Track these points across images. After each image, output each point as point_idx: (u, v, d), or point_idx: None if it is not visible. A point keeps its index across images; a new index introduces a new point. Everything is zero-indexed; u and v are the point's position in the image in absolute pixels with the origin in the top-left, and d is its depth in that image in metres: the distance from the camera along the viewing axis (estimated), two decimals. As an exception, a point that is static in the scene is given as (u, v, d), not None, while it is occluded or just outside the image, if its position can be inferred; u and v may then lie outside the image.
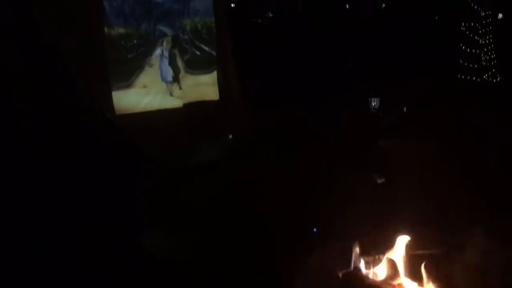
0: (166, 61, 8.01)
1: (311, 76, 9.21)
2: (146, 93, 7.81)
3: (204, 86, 8.49)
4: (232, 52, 8.64)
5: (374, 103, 7.96)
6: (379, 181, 6.32)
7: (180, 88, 8.21)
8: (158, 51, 7.92)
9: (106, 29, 7.35)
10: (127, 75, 7.59)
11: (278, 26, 11.64)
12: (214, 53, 8.57)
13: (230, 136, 8.15)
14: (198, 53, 8.43)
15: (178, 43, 8.16)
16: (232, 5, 11.12)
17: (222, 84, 8.59)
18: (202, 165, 7.14)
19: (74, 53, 6.72)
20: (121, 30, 7.52)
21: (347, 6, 11.70)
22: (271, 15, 12.63)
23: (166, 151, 7.18)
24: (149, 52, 7.83)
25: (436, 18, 11.22)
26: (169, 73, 8.06)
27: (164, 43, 7.98)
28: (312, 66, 9.45)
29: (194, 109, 8.17)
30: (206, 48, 8.51)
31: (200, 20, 8.46)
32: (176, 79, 8.15)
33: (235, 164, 7.17)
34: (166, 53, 7.99)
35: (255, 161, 7.18)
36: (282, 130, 8.03)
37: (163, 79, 7.99)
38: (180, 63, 8.19)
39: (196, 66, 8.42)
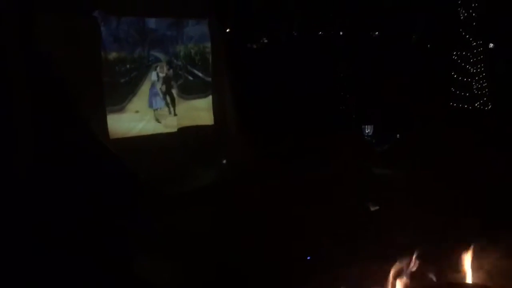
0: (159, 86, 8.02)
1: (306, 102, 9.28)
2: (140, 118, 7.80)
3: (198, 111, 8.54)
4: (227, 77, 8.70)
5: (368, 130, 8.01)
6: (373, 208, 6.33)
7: (175, 113, 8.21)
8: (151, 76, 7.94)
9: (102, 54, 7.37)
10: (121, 99, 7.60)
11: (273, 52, 11.75)
12: (208, 78, 8.62)
13: (224, 161, 8.15)
14: (191, 78, 8.50)
15: (172, 68, 8.21)
16: (227, 30, 11.24)
17: (217, 109, 8.64)
18: (197, 190, 7.12)
19: (70, 77, 6.73)
20: (116, 55, 7.56)
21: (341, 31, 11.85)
22: (266, 40, 12.75)
23: (160, 176, 7.15)
24: (143, 77, 7.85)
25: (428, 46, 11.41)
26: (160, 98, 8.05)
27: (158, 69, 8.01)
28: (307, 92, 9.52)
29: (189, 134, 8.19)
30: (200, 74, 8.58)
31: (194, 46, 8.55)
32: (170, 104, 8.16)
33: (229, 190, 7.14)
34: (159, 79, 8.02)
35: (250, 187, 7.15)
36: (277, 156, 8.03)
37: (153, 104, 7.98)
38: (174, 88, 8.22)
39: (190, 91, 8.47)
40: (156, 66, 8.03)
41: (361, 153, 7.84)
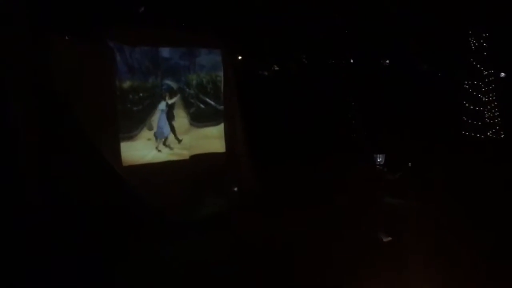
0: (170, 115, 8.11)
1: (317, 130, 9.28)
2: (152, 145, 7.86)
3: (210, 139, 8.58)
4: (238, 105, 8.78)
5: (380, 159, 8.00)
6: (385, 239, 6.26)
7: (186, 141, 8.27)
8: (163, 105, 8.04)
9: (116, 82, 7.49)
10: (134, 127, 7.67)
11: (283, 79, 11.83)
12: (219, 106, 8.70)
13: (236, 189, 8.14)
14: (203, 106, 8.56)
15: (184, 97, 8.30)
16: (239, 57, 11.36)
17: (228, 137, 8.68)
18: (207, 217, 7.12)
19: (85, 105, 6.85)
20: (130, 83, 7.66)
21: (352, 61, 11.92)
22: (277, 68, 12.85)
23: (171, 203, 7.16)
24: (155, 106, 7.94)
25: (439, 75, 11.41)
26: (171, 126, 8.14)
27: (169, 97, 8.10)
28: (318, 120, 9.54)
29: (200, 161, 8.21)
30: (212, 102, 8.65)
31: (206, 75, 8.64)
32: (181, 132, 8.22)
33: (240, 218, 7.13)
34: (171, 107, 8.11)
35: (260, 215, 7.14)
36: (288, 184, 8.01)
37: (164, 132, 8.05)
38: (185, 117, 8.30)
39: (202, 119, 8.53)
40: (167, 95, 8.10)
41: (372, 182, 7.81)
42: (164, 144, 8.02)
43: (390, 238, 6.28)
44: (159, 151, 7.92)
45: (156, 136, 7.94)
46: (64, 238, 5.73)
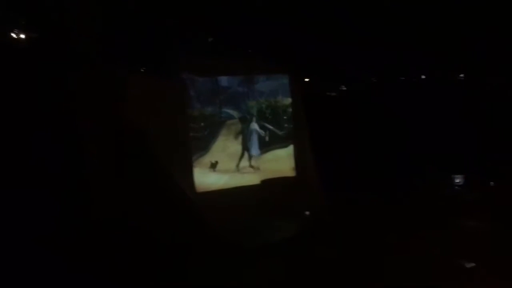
0: (242, 140, 8.26)
1: (389, 151, 9.04)
2: (224, 172, 8.02)
3: (280, 163, 8.62)
4: (307, 128, 8.77)
5: (458, 180, 7.61)
6: (468, 265, 5.93)
7: (257, 166, 8.36)
8: (236, 131, 8.21)
9: (189, 111, 7.78)
10: (207, 154, 7.89)
11: (351, 99, 11.68)
12: (289, 130, 8.72)
13: (307, 213, 8.08)
14: (274, 131, 8.64)
15: (255, 122, 8.43)
16: (306, 80, 11.39)
17: (298, 160, 8.67)
18: (279, 242, 7.10)
19: (159, 134, 7.15)
20: (201, 112, 7.92)
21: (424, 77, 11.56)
22: (344, 88, 12.73)
23: (243, 228, 7.24)
24: (228, 132, 8.13)
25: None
26: (243, 152, 8.27)
27: (240, 123, 8.27)
28: (389, 140, 9.29)
29: (271, 185, 8.26)
30: (281, 126, 8.72)
31: (275, 100, 8.73)
32: (252, 157, 8.34)
33: (312, 243, 7.05)
34: (244, 132, 8.27)
35: (332, 240, 7.02)
36: (360, 208, 7.84)
37: (237, 158, 8.19)
38: (257, 141, 8.41)
39: (272, 143, 8.61)
40: (239, 121, 8.27)
41: (451, 205, 7.44)
42: (237, 169, 8.16)
43: (473, 264, 5.94)
44: (231, 176, 8.06)
45: (231, 161, 8.12)
46: (136, 263, 5.93)
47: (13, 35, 6.88)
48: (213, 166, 7.92)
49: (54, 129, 6.49)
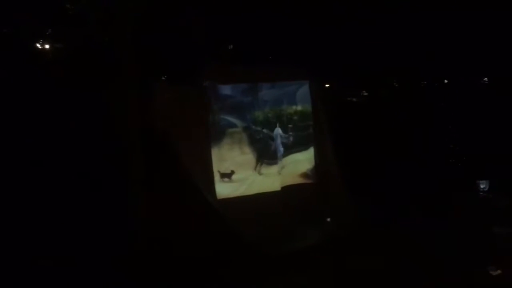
0: (264, 147, 8.29)
1: (412, 157, 8.93)
2: (245, 178, 8.05)
3: (301, 170, 8.60)
4: (328, 135, 8.73)
5: (483, 185, 7.45)
6: (494, 273, 5.81)
7: (278, 173, 8.37)
8: (258, 138, 8.25)
9: (210, 118, 7.83)
10: (228, 160, 7.93)
11: (374, 105, 11.61)
12: (310, 136, 8.70)
13: (329, 220, 8.02)
14: (295, 137, 8.60)
15: (278, 128, 8.44)
16: (326, 85, 11.37)
17: (320, 167, 8.64)
18: (301, 250, 7.08)
19: (183, 141, 7.24)
20: (224, 119, 7.97)
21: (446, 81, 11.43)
22: (365, 93, 12.67)
23: (265, 236, 7.23)
24: (250, 139, 8.17)
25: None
26: (264, 159, 8.30)
27: (262, 129, 8.29)
28: (413, 146, 9.18)
29: (292, 192, 8.24)
30: (303, 133, 8.68)
31: (295, 106, 8.68)
32: (273, 164, 8.35)
33: (335, 250, 7.00)
34: (265, 139, 8.29)
35: (358, 249, 6.96)
36: (384, 214, 7.75)
37: (258, 165, 8.21)
38: (278, 149, 8.42)
39: (294, 150, 8.60)
40: (261, 128, 8.29)
41: (477, 211, 7.29)
42: (258, 175, 8.18)
43: (499, 271, 5.82)
44: (252, 183, 8.08)
45: (250, 168, 8.14)
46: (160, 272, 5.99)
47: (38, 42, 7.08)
48: (232, 173, 7.93)
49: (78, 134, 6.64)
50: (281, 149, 8.47)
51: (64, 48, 7.20)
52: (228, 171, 7.88)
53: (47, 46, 7.17)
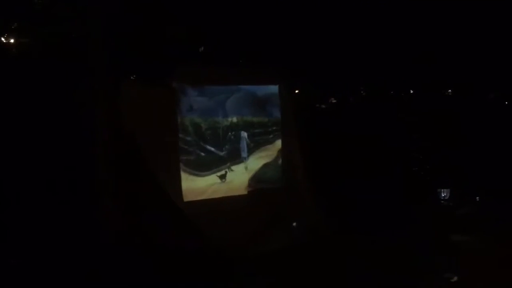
0: (230, 149, 8.29)
1: (377, 164, 9.10)
2: (212, 181, 8.02)
3: (268, 173, 8.63)
4: (296, 139, 8.80)
5: (444, 194, 7.68)
6: (453, 279, 5.96)
7: (243, 175, 8.37)
8: (224, 140, 8.23)
9: (178, 119, 7.77)
10: (196, 162, 7.88)
11: (341, 112, 11.75)
12: (277, 141, 8.74)
13: (294, 224, 8.08)
14: (262, 141, 8.64)
15: (243, 132, 8.45)
16: (296, 91, 11.44)
17: (287, 171, 8.69)
18: (267, 254, 7.09)
19: (148, 140, 7.15)
20: (190, 120, 7.92)
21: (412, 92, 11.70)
22: (334, 100, 12.81)
23: (230, 238, 7.22)
24: (215, 142, 8.14)
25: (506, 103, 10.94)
26: (230, 161, 8.28)
27: (228, 133, 8.28)
28: (376, 153, 9.35)
29: (259, 196, 8.25)
30: (270, 136, 8.73)
31: (264, 110, 8.73)
32: (240, 166, 8.35)
33: (300, 254, 7.05)
34: (232, 142, 8.29)
35: (321, 251, 7.04)
36: (348, 220, 7.87)
37: (224, 167, 8.20)
38: (245, 151, 8.43)
39: (261, 153, 8.62)
40: (227, 131, 8.27)
41: (437, 218, 7.50)
42: (224, 178, 8.16)
43: (456, 278, 5.98)
44: (218, 186, 8.06)
45: (216, 170, 8.10)
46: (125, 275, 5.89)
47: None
48: (202, 175, 7.88)
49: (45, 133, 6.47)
50: (247, 152, 8.48)
51: (30, 44, 7.00)
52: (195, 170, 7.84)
53: (12, 41, 6.95)
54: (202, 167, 7.96)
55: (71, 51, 6.71)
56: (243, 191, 8.30)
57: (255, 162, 8.57)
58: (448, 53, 9.95)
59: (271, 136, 8.79)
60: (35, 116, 6.38)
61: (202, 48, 8.61)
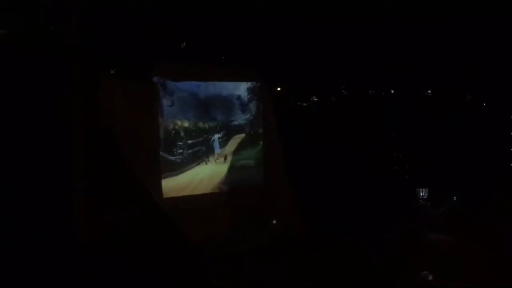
0: (210, 147, 8.25)
1: (356, 163, 9.12)
2: (192, 178, 7.95)
3: (249, 172, 8.60)
4: (278, 137, 8.78)
5: (423, 193, 7.75)
6: (429, 278, 6.02)
7: (223, 173, 8.34)
8: (204, 138, 8.18)
9: (159, 116, 7.70)
10: (176, 160, 7.82)
11: (323, 110, 11.77)
12: (258, 139, 8.73)
13: (274, 222, 8.07)
14: (243, 139, 8.62)
15: (224, 130, 8.41)
16: (278, 89, 11.43)
17: (267, 170, 8.68)
18: (246, 252, 7.07)
19: (127, 136, 7.04)
20: (172, 118, 7.85)
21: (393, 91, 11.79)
22: (316, 98, 12.84)
23: (210, 237, 7.18)
24: (196, 139, 8.09)
25: (484, 105, 11.10)
26: (211, 159, 8.26)
27: (209, 130, 8.24)
28: (357, 152, 9.38)
29: (240, 194, 8.22)
30: (251, 134, 8.71)
31: (246, 108, 8.70)
32: (220, 164, 8.31)
33: (279, 252, 7.04)
34: (212, 140, 8.25)
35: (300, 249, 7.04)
36: (329, 220, 7.88)
37: (204, 164, 8.17)
38: (225, 149, 8.40)
39: (242, 152, 8.59)
40: (208, 128, 8.22)
41: (415, 218, 7.56)
42: (206, 175, 8.11)
43: (431, 277, 6.04)
44: (199, 183, 8.01)
45: (196, 167, 8.06)
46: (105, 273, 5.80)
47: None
48: (183, 172, 7.82)
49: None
50: (227, 150, 8.44)
51: (4, 36, 6.83)
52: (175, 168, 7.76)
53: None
54: (182, 164, 7.91)
55: (48, 44, 6.57)
56: (223, 189, 8.25)
57: (235, 160, 8.53)
58: (427, 53, 10.05)
59: (251, 134, 8.76)
60: (5, 111, 6.22)
61: (184, 44, 8.54)
